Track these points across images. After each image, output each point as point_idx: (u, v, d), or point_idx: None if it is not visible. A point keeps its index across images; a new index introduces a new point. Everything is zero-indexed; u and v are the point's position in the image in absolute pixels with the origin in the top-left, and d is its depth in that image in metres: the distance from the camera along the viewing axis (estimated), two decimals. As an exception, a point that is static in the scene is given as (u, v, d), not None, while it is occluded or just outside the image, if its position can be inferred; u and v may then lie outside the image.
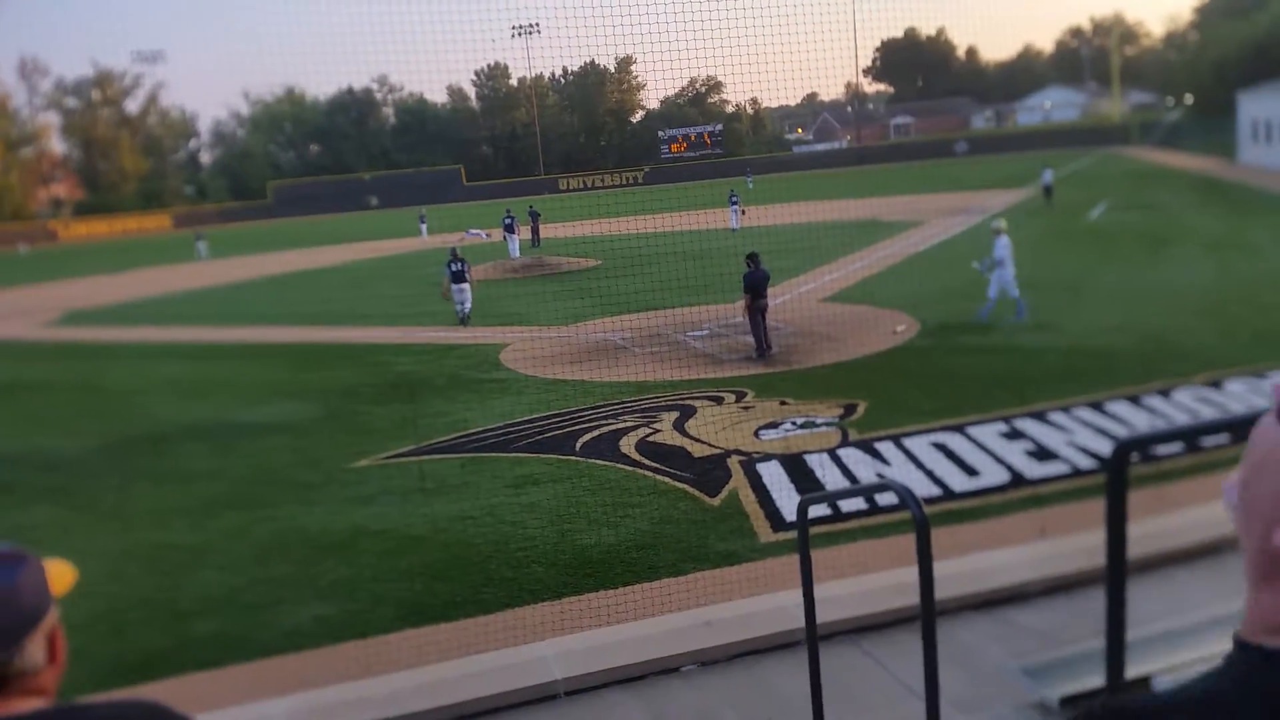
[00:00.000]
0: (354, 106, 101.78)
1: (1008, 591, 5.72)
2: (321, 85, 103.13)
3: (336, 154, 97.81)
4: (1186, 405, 10.37)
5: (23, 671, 1.46)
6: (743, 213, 33.12)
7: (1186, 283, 18.30)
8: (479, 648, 6.00)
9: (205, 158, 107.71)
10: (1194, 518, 6.36)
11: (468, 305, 20.06)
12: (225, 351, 20.17)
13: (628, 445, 10.56)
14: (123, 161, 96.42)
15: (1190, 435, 3.62)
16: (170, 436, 13.07)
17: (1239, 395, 10.78)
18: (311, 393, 14.89)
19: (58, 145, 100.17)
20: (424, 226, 44.31)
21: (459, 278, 19.99)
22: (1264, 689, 0.91)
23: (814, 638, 4.39)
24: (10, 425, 14.78)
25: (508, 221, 31.19)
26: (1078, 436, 9.61)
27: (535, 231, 34.41)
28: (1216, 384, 11.13)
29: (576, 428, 11.39)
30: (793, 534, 7.46)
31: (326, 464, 11.03)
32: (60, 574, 1.57)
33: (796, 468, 9.46)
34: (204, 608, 7.48)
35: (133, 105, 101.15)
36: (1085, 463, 8.98)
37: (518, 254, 30.90)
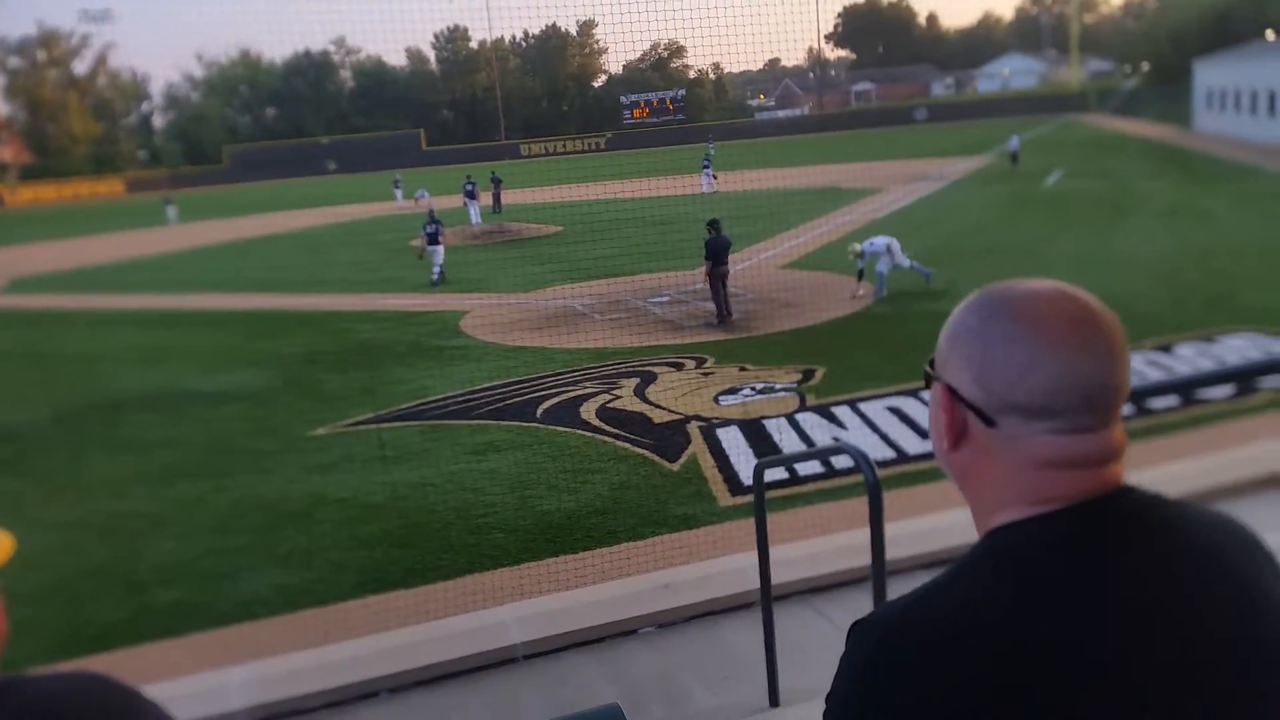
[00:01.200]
0: (311, 69, 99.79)
1: (960, 550, 5.82)
2: (277, 47, 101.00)
3: (293, 118, 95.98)
4: (1136, 369, 10.59)
5: None
6: (714, 177, 33.13)
7: (1140, 249, 18.60)
8: (439, 614, 6.03)
9: (158, 121, 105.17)
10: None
11: (438, 267, 20.25)
12: (181, 319, 19.86)
13: (588, 412, 10.59)
14: (71, 124, 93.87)
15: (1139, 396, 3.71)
16: (125, 405, 12.89)
17: (1188, 359, 11.03)
18: (270, 360, 14.73)
19: (1, 107, 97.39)
20: (399, 191, 42.68)
21: (433, 239, 20.14)
22: (993, 550, 1.07)
23: (768, 598, 4.46)
24: (-42, 395, 14.49)
25: (469, 188, 30.87)
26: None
27: (497, 198, 34.11)
28: (1166, 348, 11.38)
29: (537, 394, 11.40)
30: (750, 498, 7.56)
31: (285, 432, 10.95)
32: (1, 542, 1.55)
33: (755, 432, 9.55)
34: (161, 577, 7.43)
35: (81, 66, 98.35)
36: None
37: (478, 220, 30.63)
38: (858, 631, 1.07)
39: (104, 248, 36.24)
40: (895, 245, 16.03)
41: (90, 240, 40.37)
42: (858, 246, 16.17)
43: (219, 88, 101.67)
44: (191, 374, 14.45)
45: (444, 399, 11.70)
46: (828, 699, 1.06)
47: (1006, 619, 0.99)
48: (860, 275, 16.06)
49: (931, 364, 1.15)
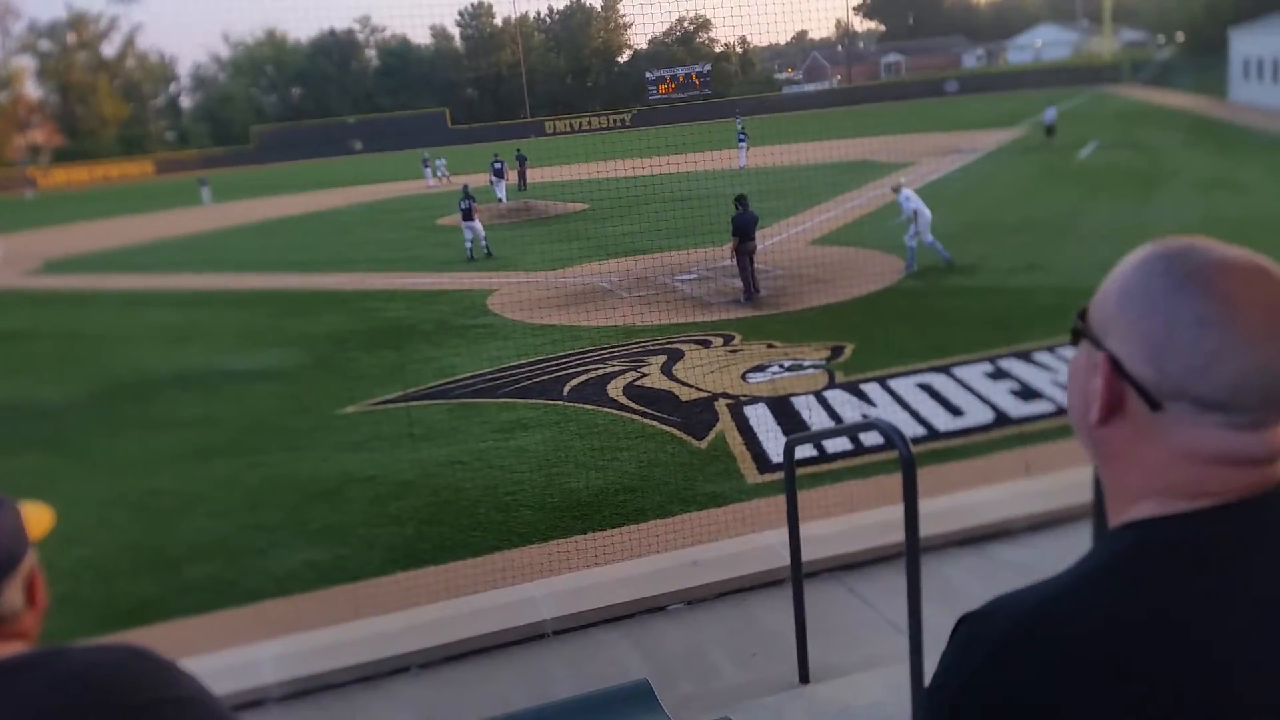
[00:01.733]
0: (336, 49, 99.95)
1: (993, 528, 5.78)
2: (303, 27, 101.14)
3: (319, 97, 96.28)
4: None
5: (2, 616, 1.44)
6: (747, 149, 33.51)
7: (1175, 222, 18.26)
8: (469, 590, 6.06)
9: (186, 102, 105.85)
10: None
11: (470, 243, 20.60)
12: (213, 298, 20.04)
13: (615, 390, 10.57)
14: (101, 107, 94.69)
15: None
16: (158, 384, 13.03)
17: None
18: (300, 339, 14.84)
19: (33, 90, 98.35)
20: (428, 170, 42.31)
21: (467, 215, 20.38)
22: (1145, 547, 0.96)
23: (799, 575, 4.43)
24: (-4, 375, 14.72)
25: (497, 166, 30.90)
26: (1062, 376, 9.66)
27: (522, 175, 34.15)
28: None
29: (564, 372, 11.39)
30: (779, 475, 7.51)
31: (315, 410, 11.03)
32: (38, 517, 1.56)
33: (783, 410, 9.50)
34: (194, 554, 7.51)
35: (109, 49, 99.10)
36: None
37: (504, 199, 30.65)
38: (974, 625, 0.97)
39: (135, 228, 36.60)
40: (925, 216, 15.81)
41: (121, 221, 40.79)
42: (901, 183, 16.06)
43: (245, 68, 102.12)
44: (223, 353, 14.58)
45: (472, 377, 11.73)
46: (929, 694, 0.98)
47: (1163, 626, 0.90)
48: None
49: (1083, 317, 1.03)
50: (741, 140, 34.49)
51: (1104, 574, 0.96)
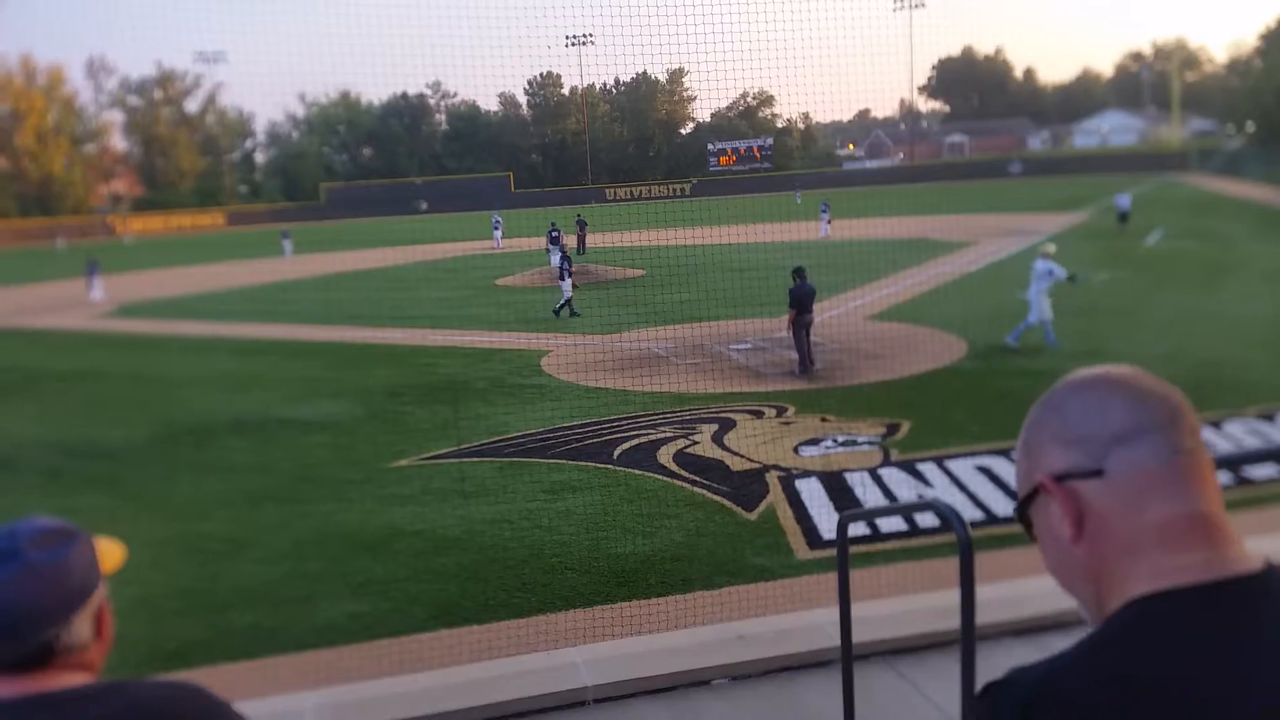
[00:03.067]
0: (407, 111, 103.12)
1: (1049, 619, 5.58)
2: (376, 89, 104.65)
3: (388, 158, 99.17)
4: (1236, 437, 10.11)
5: (70, 647, 1.49)
6: (829, 221, 36.07)
7: (1243, 313, 17.88)
8: (510, 651, 5.99)
9: (260, 157, 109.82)
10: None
11: (562, 301, 21.64)
12: (272, 348, 20.47)
13: (665, 456, 10.52)
14: (180, 159, 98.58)
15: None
16: (215, 429, 13.26)
17: (1296, 429, 10.48)
18: (355, 392, 15.04)
19: (119, 142, 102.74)
20: (499, 232, 43.27)
21: (562, 274, 21.91)
22: (1124, 625, 1.04)
23: (849, 657, 4.31)
24: (62, 414, 15.11)
25: (553, 234, 31.52)
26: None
27: (581, 240, 34.78)
28: (1269, 416, 10.84)
29: (614, 436, 11.38)
30: (829, 552, 7.37)
31: (367, 463, 11.12)
32: (110, 552, 1.62)
33: (836, 485, 9.35)
34: (241, 599, 7.55)
35: (192, 105, 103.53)
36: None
37: (558, 263, 31.16)
38: (997, 693, 1.06)
39: (204, 278, 37.70)
40: (1044, 302, 15.58)
41: (192, 270, 42.07)
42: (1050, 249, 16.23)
43: (319, 127, 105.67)
44: (280, 402, 14.82)
45: (522, 436, 11.76)
46: None
47: (1170, 688, 0.97)
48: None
49: (1023, 505, 1.17)
50: (824, 211, 36.25)
51: (1114, 643, 1.03)
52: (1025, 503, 1.16)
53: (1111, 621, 1.06)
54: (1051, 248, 16.60)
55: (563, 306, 21.46)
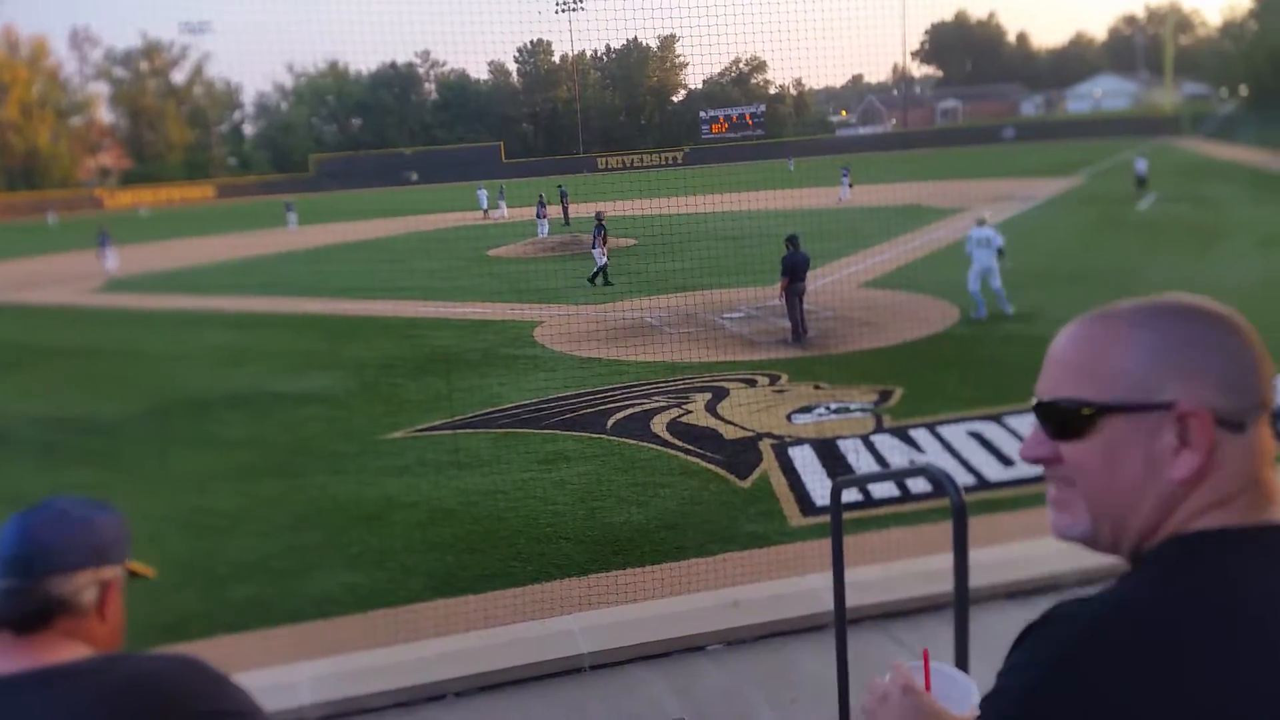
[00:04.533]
0: (396, 81, 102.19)
1: (1041, 582, 5.64)
2: (365, 59, 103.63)
3: (378, 128, 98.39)
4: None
5: (72, 605, 1.52)
6: (850, 185, 36.59)
7: (1236, 277, 17.90)
8: (507, 620, 6.04)
9: (248, 129, 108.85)
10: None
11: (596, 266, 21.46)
12: (265, 321, 20.41)
13: (659, 425, 10.55)
14: (168, 132, 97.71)
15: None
16: (210, 403, 13.25)
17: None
18: (349, 364, 15.03)
19: (106, 115, 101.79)
20: (494, 205, 42.63)
21: (594, 243, 21.42)
22: (1189, 561, 1.00)
23: (843, 621, 4.35)
24: (56, 389, 15.08)
25: (541, 205, 31.67)
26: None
27: (565, 210, 35.13)
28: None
29: (608, 406, 11.40)
30: (822, 518, 7.41)
31: (361, 435, 11.13)
32: (142, 568, 1.70)
33: (829, 452, 9.40)
34: (238, 572, 7.59)
35: (179, 76, 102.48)
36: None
37: (545, 234, 31.21)
38: (1043, 628, 1.01)
39: (195, 250, 37.51)
40: (993, 265, 15.59)
41: (182, 243, 41.83)
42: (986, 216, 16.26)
43: (307, 97, 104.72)
44: (274, 375, 14.81)
45: (516, 407, 11.78)
46: (992, 699, 1.00)
47: (1240, 627, 0.93)
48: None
49: (1094, 400, 1.07)
50: (845, 175, 36.98)
51: (1179, 579, 0.98)
52: (1110, 408, 1.05)
53: (1176, 553, 1.02)
54: (988, 214, 16.53)
55: (597, 274, 21.18)
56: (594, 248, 21.36)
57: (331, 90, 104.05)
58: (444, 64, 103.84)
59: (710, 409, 11.06)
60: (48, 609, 1.50)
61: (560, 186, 36.33)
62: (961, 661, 3.43)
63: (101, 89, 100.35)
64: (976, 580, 4.01)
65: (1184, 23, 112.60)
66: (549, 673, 5.15)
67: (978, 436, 9.52)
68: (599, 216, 20.97)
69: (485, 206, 42.55)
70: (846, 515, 6.65)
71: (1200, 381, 1.02)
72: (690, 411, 10.99)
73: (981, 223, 16.32)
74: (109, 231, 33.40)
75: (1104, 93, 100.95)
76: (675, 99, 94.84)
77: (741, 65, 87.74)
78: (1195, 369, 1.02)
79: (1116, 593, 1.01)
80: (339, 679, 5.21)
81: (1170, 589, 0.97)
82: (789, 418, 10.61)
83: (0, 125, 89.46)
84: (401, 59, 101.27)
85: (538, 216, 31.53)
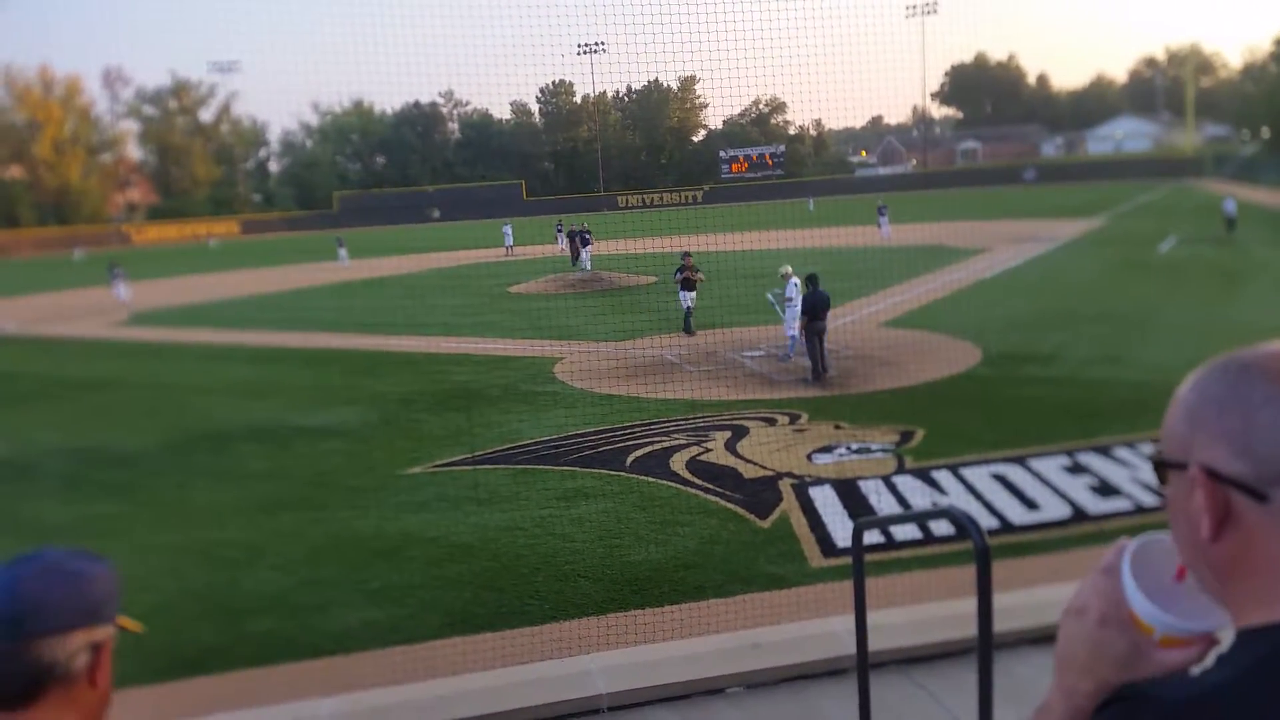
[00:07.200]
0: (420, 120, 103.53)
1: (1066, 628, 5.55)
2: (389, 98, 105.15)
3: (401, 166, 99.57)
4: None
5: (64, 671, 1.41)
6: (889, 223, 36.39)
7: (1258, 320, 17.76)
8: (524, 659, 6.00)
9: (274, 166, 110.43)
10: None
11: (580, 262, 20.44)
12: (287, 355, 20.54)
13: (678, 463, 10.51)
14: (195, 168, 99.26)
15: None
16: (231, 436, 13.32)
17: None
18: (369, 399, 15.09)
19: (135, 151, 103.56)
20: (509, 232, 43.28)
21: (686, 285, 19.31)
22: (1265, 658, 0.96)
23: (865, 665, 4.30)
24: (79, 421, 15.20)
25: (561, 231, 32.19)
26: (1142, 473, 9.35)
27: (574, 251, 35.24)
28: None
29: (627, 443, 11.38)
30: (843, 560, 7.35)
31: (381, 469, 11.15)
32: (131, 624, 1.55)
33: (850, 493, 9.33)
34: (257, 606, 7.58)
35: (207, 114, 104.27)
36: (1150, 499, 8.73)
37: (589, 267, 31.54)
38: (1131, 704, 1.01)
39: (218, 286, 37.90)
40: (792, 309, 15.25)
41: (206, 278, 42.29)
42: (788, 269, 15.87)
43: (332, 135, 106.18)
44: (294, 409, 14.88)
45: (535, 443, 11.78)
46: None
47: None
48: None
49: (1161, 455, 1.07)
50: (882, 214, 36.21)
51: (1258, 678, 0.95)
52: (1167, 464, 1.06)
53: (1251, 650, 0.98)
54: (789, 268, 16.12)
55: (688, 319, 19.02)
56: (681, 288, 19.02)
57: (356, 128, 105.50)
58: (467, 103, 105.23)
59: (730, 447, 11.02)
60: (39, 677, 1.38)
61: (563, 224, 36.96)
62: (986, 707, 3.38)
63: (131, 126, 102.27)
64: (1000, 625, 3.96)
65: (1205, 65, 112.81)
66: (567, 713, 5.10)
67: (1001, 479, 9.43)
68: (685, 258, 18.85)
69: (510, 244, 42.95)
70: (868, 557, 6.59)
71: (1207, 438, 1.01)
72: (710, 450, 10.95)
73: (787, 275, 15.94)
74: (120, 265, 34.39)
75: (1125, 134, 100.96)
76: (695, 139, 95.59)
77: (761, 106, 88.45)
78: (1211, 429, 1.00)
79: (1206, 681, 0.98)
80: (357, 715, 5.18)
81: (1254, 694, 0.94)
82: (809, 457, 10.55)
83: (33, 162, 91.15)
84: (425, 98, 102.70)
85: (582, 246, 31.89)
